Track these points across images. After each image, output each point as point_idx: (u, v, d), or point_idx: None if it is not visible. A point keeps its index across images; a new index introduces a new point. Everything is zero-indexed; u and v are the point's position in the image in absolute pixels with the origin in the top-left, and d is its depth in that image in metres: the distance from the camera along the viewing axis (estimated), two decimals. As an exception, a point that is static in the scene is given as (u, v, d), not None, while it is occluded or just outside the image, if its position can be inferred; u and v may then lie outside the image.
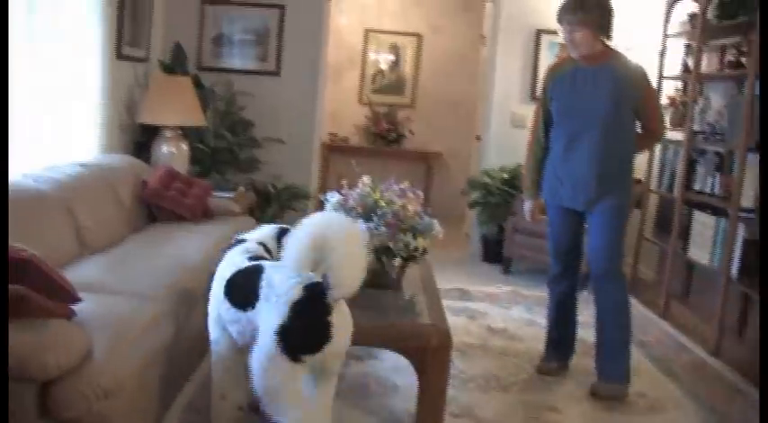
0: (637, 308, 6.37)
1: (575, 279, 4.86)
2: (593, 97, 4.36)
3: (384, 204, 3.96)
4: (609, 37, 4.42)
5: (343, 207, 4.04)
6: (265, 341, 2.98)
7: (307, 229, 3.00)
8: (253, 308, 3.13)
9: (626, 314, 4.56)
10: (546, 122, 4.62)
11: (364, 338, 3.73)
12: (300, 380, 3.02)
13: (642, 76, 4.47)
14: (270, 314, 3.00)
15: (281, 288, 3.02)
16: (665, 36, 6.88)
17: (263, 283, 3.10)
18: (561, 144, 4.51)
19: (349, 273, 2.95)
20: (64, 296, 3.18)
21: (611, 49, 4.49)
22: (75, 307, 3.20)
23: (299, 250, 2.99)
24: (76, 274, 3.82)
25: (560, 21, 4.36)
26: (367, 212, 3.97)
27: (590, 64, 4.40)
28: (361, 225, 3.33)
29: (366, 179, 4.13)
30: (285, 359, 2.95)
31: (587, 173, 4.41)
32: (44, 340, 2.80)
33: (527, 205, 4.96)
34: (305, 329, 2.97)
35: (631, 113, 4.42)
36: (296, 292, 2.97)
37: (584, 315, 6.09)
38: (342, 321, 3.05)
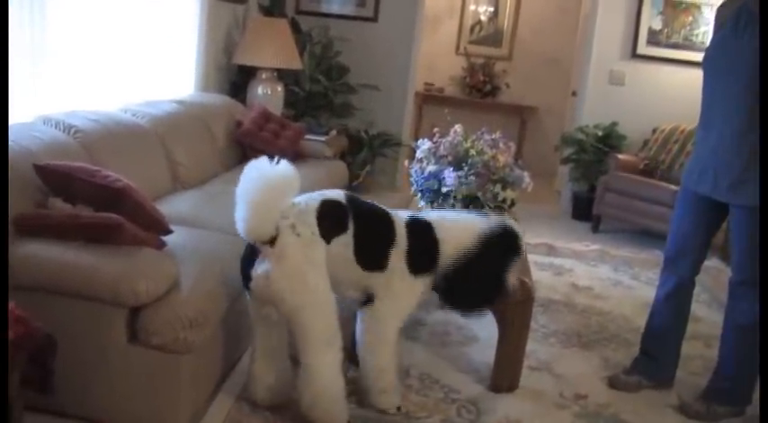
0: (728, 275, 6.22)
1: (694, 269, 3.92)
2: (743, 49, 3.33)
3: (475, 153, 3.94)
4: None
5: (434, 155, 4.03)
6: None
7: None
8: None
9: (757, 332, 3.55)
10: None
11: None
12: (253, 312, 3.18)
13: None
14: None
15: None
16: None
17: None
18: (703, 112, 3.65)
19: (236, 214, 2.93)
20: (155, 227, 3.26)
21: None
22: (166, 238, 3.29)
23: None
24: (169, 207, 3.92)
25: None
26: (457, 161, 3.96)
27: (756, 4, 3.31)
28: (264, 166, 2.92)
29: (458, 128, 4.11)
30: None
31: (722, 151, 3.50)
32: (136, 267, 2.89)
33: None
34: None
35: None
36: None
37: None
38: (266, 268, 2.96)
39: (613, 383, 3.96)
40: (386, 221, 3.28)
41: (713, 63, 3.56)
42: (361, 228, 3.18)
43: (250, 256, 3.01)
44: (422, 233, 3.31)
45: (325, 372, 3.07)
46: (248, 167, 2.92)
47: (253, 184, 2.87)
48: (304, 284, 2.99)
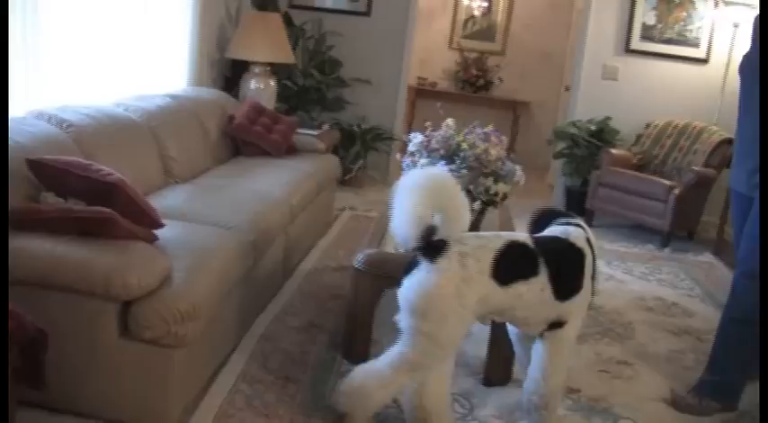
0: (721, 270, 6.28)
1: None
2: None
3: (467, 147, 3.94)
4: None
5: (426, 148, 4.03)
6: None
7: None
8: None
9: (751, 332, 3.51)
10: None
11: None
12: None
13: None
14: None
15: None
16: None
17: None
18: (739, 117, 3.76)
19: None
20: (147, 221, 3.26)
21: None
22: (158, 232, 3.29)
23: None
24: (161, 202, 3.91)
25: None
26: (449, 155, 3.96)
27: None
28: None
29: (450, 121, 4.10)
30: None
31: (748, 146, 3.62)
32: (128, 261, 2.88)
33: None
34: None
35: None
36: None
37: (662, 273, 6.04)
38: (415, 281, 2.91)
39: (677, 403, 3.81)
40: (574, 248, 3.18)
41: (748, 71, 3.66)
42: (556, 267, 3.07)
43: (411, 265, 2.95)
44: (590, 247, 3.26)
45: (387, 382, 2.96)
46: (406, 176, 2.97)
47: (406, 191, 2.87)
48: (438, 317, 2.90)
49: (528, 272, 3.02)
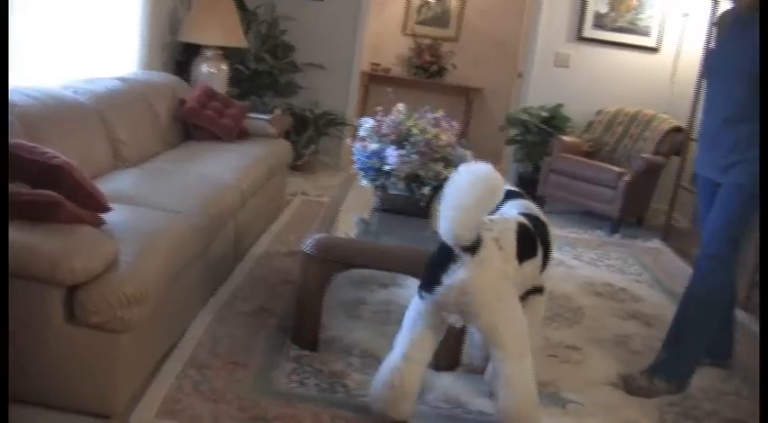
0: (669, 256, 6.36)
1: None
2: (739, 50, 3.64)
3: (417, 132, 3.94)
4: None
5: (377, 133, 4.03)
6: None
7: None
8: None
9: (710, 313, 3.78)
10: None
11: (387, 263, 3.75)
12: (424, 315, 3.09)
13: None
14: None
15: None
16: None
17: None
18: (705, 107, 3.96)
19: (442, 215, 2.89)
20: (94, 205, 3.21)
21: None
22: (105, 216, 3.24)
23: None
24: (109, 186, 3.86)
25: None
26: (400, 140, 3.96)
27: (748, 11, 3.65)
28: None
29: (401, 106, 4.11)
30: None
31: (717, 133, 3.77)
32: (73, 245, 2.84)
33: None
34: None
35: None
36: None
37: (611, 259, 6.11)
38: (463, 277, 2.89)
39: (629, 386, 3.88)
40: (542, 223, 3.41)
41: (714, 65, 3.87)
42: (545, 245, 3.31)
43: (445, 260, 2.92)
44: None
45: (523, 380, 3.01)
46: (461, 171, 2.88)
47: (464, 187, 2.82)
48: (499, 299, 2.93)
49: (532, 252, 3.18)
